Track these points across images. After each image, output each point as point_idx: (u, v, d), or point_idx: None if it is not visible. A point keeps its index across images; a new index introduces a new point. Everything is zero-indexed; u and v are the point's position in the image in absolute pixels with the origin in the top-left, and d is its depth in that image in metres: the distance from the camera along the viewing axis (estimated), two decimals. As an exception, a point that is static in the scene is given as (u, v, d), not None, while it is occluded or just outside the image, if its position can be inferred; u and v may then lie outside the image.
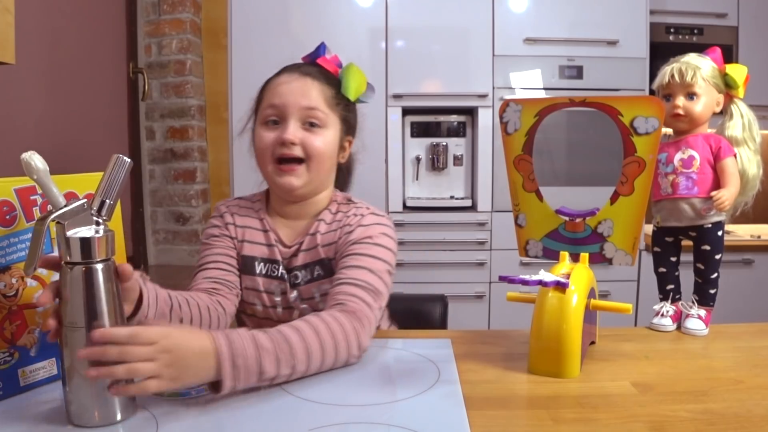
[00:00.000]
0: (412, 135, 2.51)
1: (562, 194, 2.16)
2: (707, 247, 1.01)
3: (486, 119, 2.40)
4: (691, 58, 0.99)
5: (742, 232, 2.55)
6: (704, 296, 1.02)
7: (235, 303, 1.02)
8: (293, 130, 0.97)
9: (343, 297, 0.89)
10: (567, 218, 0.94)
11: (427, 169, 2.54)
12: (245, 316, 1.09)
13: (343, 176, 1.14)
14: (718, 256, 1.01)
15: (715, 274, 1.01)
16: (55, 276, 0.69)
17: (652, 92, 1.12)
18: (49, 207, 0.68)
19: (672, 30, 2.53)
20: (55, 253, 0.70)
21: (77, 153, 1.99)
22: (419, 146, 2.52)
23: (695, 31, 2.54)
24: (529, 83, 2.40)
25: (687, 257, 1.05)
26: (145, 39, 2.48)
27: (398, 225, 2.10)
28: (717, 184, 0.97)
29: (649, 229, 1.08)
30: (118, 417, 0.67)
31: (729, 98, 1.01)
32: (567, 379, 0.80)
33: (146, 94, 2.44)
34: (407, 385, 0.79)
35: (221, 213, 1.09)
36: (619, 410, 0.70)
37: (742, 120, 1.00)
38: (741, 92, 1.00)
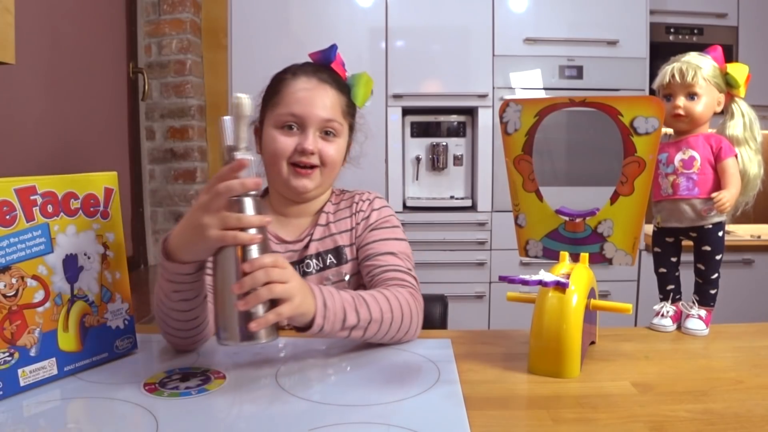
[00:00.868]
0: (412, 135, 2.51)
1: (562, 194, 2.16)
2: (708, 248, 1.01)
3: (486, 119, 2.40)
4: (692, 57, 0.98)
5: (742, 232, 2.55)
6: (705, 296, 1.02)
7: None
8: (313, 140, 1.01)
9: (398, 282, 0.96)
10: (567, 218, 0.93)
11: (427, 169, 2.54)
12: None
13: None
14: (718, 257, 1.01)
15: (716, 275, 1.01)
16: (56, 276, 0.71)
17: (652, 92, 1.12)
18: (230, 142, 0.73)
19: (672, 30, 2.54)
20: (57, 252, 0.71)
21: (77, 153, 1.99)
22: (419, 146, 2.52)
23: (695, 31, 2.54)
24: (529, 83, 2.41)
25: (687, 257, 1.05)
26: (145, 39, 2.48)
27: (398, 225, 2.10)
28: (718, 184, 0.97)
29: (649, 229, 1.08)
30: (263, 339, 0.74)
31: (730, 97, 1.00)
32: (567, 379, 0.80)
33: (146, 94, 2.44)
34: (407, 385, 0.79)
35: None
36: (619, 410, 0.70)
37: (743, 119, 0.99)
38: (742, 91, 0.99)
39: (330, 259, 1.06)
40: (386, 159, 2.40)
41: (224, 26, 2.42)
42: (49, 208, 0.78)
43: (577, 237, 0.93)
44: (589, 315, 0.86)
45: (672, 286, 1.05)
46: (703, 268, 1.02)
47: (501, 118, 0.96)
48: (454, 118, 2.52)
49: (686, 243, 1.04)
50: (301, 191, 1.03)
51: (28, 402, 0.72)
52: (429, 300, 1.20)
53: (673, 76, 0.98)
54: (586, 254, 0.89)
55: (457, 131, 2.52)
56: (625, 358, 0.89)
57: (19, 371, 0.74)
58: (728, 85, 0.99)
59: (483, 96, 2.39)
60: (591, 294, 0.85)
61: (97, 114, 2.15)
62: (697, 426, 0.66)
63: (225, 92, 2.44)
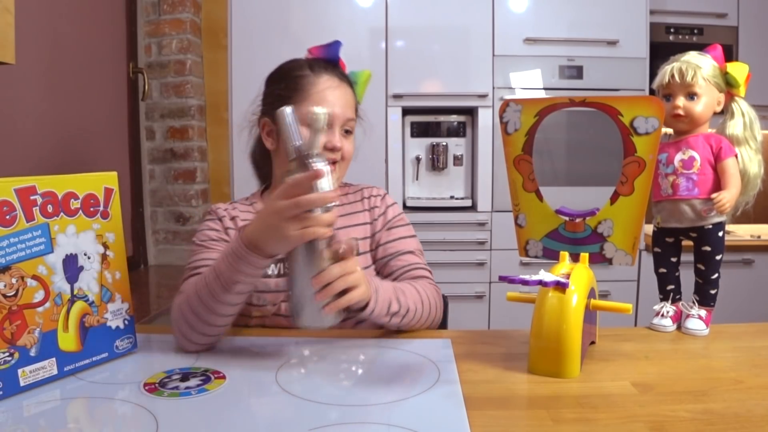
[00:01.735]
0: (412, 135, 2.51)
1: (562, 194, 2.16)
2: (708, 248, 1.01)
3: (486, 119, 2.40)
4: (692, 57, 0.98)
5: (742, 232, 2.55)
6: (705, 296, 1.02)
7: None
8: (339, 138, 1.05)
9: (421, 279, 1.07)
10: (567, 218, 0.93)
11: (427, 169, 2.53)
12: (248, 319, 1.05)
13: None
14: (718, 257, 1.01)
15: (716, 275, 1.01)
16: (56, 276, 0.72)
17: (652, 92, 1.12)
18: (297, 141, 0.80)
19: (672, 30, 2.53)
20: (57, 252, 0.73)
21: (77, 153, 1.99)
22: (419, 146, 2.52)
23: (695, 31, 2.54)
24: (529, 83, 2.40)
25: (687, 257, 1.05)
26: (145, 39, 2.48)
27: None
28: (717, 184, 0.97)
29: (649, 229, 1.08)
30: (335, 321, 0.83)
31: (730, 97, 1.00)
32: (567, 379, 0.80)
33: (146, 94, 2.44)
34: (407, 385, 0.79)
35: (219, 216, 1.08)
36: (619, 410, 0.70)
37: (743, 119, 0.99)
38: (742, 91, 0.99)
39: None
40: (386, 159, 2.40)
41: (224, 26, 2.42)
42: (49, 208, 0.78)
43: (577, 237, 0.93)
44: (589, 315, 0.86)
45: (672, 286, 1.04)
46: (703, 268, 1.02)
47: (501, 118, 0.96)
48: (454, 118, 2.51)
49: (686, 243, 1.04)
50: None
51: (28, 402, 0.72)
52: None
53: (672, 76, 0.98)
54: (586, 254, 0.89)
55: (457, 131, 2.52)
56: (625, 358, 0.89)
57: (19, 371, 0.74)
58: (728, 85, 0.99)
59: (483, 96, 2.39)
60: (591, 294, 0.85)
61: (97, 114, 2.15)
62: (697, 426, 0.66)
63: (225, 92, 2.43)
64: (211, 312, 0.86)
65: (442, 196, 2.53)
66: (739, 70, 0.98)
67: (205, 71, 2.58)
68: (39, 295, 0.76)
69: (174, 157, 2.50)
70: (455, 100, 2.42)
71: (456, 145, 2.52)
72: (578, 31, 2.40)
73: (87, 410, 0.73)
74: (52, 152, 1.85)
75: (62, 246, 0.79)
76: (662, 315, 1.02)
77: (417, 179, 2.53)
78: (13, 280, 0.73)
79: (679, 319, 1.03)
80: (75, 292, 0.81)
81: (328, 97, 1.04)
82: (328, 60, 1.09)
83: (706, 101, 0.98)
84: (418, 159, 2.52)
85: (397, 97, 2.38)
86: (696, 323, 1.00)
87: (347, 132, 1.08)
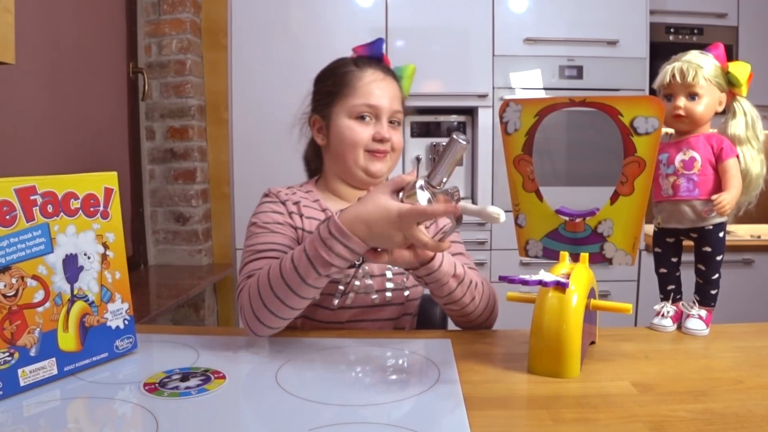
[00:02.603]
0: (412, 135, 2.51)
1: (562, 194, 2.16)
2: (708, 249, 1.00)
3: (486, 119, 2.40)
4: (693, 56, 0.98)
5: (742, 232, 2.55)
6: (705, 297, 1.02)
7: None
8: (387, 129, 1.09)
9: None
10: (567, 218, 0.93)
11: (427, 168, 2.53)
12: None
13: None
14: (719, 257, 1.01)
15: (717, 275, 1.01)
16: (56, 276, 0.72)
17: (652, 92, 1.12)
18: (445, 176, 0.84)
19: (672, 30, 2.54)
20: (57, 252, 0.72)
21: (77, 153, 1.99)
22: (419, 146, 2.52)
23: (695, 31, 2.54)
24: (529, 83, 2.40)
25: (688, 257, 1.05)
26: (145, 39, 2.48)
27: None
28: (718, 185, 0.97)
29: (649, 229, 1.08)
30: None
31: (732, 96, 0.99)
32: (567, 379, 0.80)
33: (146, 94, 2.44)
34: (407, 385, 0.79)
35: (282, 200, 1.09)
36: (619, 410, 0.70)
37: (745, 118, 0.98)
38: (744, 90, 0.98)
39: None
40: (386, 159, 2.40)
41: (224, 26, 2.42)
42: (49, 208, 0.78)
43: (577, 237, 0.93)
44: (589, 315, 0.86)
45: (673, 286, 1.04)
46: (703, 268, 1.02)
47: (501, 118, 0.96)
48: (454, 118, 2.51)
49: (687, 243, 1.04)
50: (379, 175, 1.10)
51: (28, 402, 0.72)
52: (429, 300, 1.20)
53: (673, 76, 0.97)
54: (586, 254, 0.89)
55: (457, 131, 2.52)
56: (625, 358, 0.89)
57: (19, 371, 0.74)
58: (730, 84, 0.98)
59: (483, 96, 2.39)
60: (591, 294, 0.85)
61: (97, 114, 2.15)
62: (697, 426, 0.66)
63: (225, 92, 2.43)
64: (295, 295, 0.86)
65: (442, 196, 2.53)
66: (741, 69, 0.97)
67: (205, 71, 2.58)
68: (39, 295, 0.76)
69: (174, 157, 2.50)
70: (455, 100, 2.42)
71: (456, 145, 2.51)
72: (578, 31, 2.40)
73: (87, 410, 0.73)
74: (52, 152, 1.85)
75: (62, 246, 0.79)
76: (662, 315, 1.02)
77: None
78: (13, 280, 0.73)
79: (679, 319, 1.03)
80: (75, 292, 0.81)
81: (374, 90, 1.07)
82: (372, 56, 1.13)
83: (707, 101, 0.97)
84: (418, 159, 2.50)
85: (397, 97, 2.38)
86: (696, 323, 1.00)
87: (395, 124, 1.11)
